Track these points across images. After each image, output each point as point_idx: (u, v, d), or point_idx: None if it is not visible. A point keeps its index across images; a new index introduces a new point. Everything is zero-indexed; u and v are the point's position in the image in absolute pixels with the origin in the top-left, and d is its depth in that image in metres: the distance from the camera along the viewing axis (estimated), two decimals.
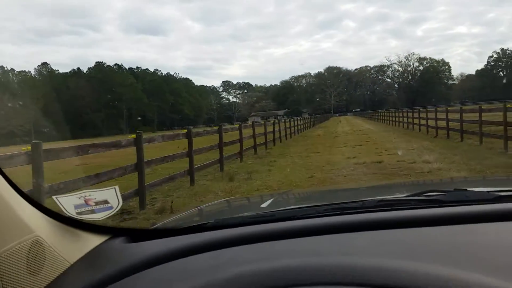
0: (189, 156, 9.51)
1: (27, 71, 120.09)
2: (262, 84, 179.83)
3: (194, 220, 1.61)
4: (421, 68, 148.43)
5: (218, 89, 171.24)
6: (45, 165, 4.96)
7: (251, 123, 17.81)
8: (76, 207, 1.10)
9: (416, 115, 26.22)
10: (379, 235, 1.00)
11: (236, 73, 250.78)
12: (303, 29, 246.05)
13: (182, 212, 1.95)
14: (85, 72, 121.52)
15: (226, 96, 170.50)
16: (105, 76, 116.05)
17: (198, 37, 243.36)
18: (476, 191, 1.29)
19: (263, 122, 21.07)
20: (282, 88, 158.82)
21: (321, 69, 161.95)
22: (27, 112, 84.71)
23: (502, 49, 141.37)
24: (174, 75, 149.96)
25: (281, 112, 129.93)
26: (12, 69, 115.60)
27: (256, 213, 1.35)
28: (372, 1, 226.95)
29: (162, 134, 8.61)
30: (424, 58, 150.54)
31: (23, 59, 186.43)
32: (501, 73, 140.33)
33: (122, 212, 6.59)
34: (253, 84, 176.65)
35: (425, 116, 23.21)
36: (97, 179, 5.69)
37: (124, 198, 6.27)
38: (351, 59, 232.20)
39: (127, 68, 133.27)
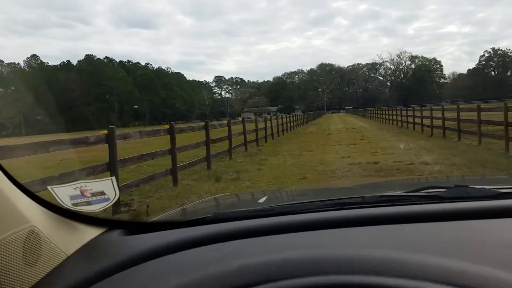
0: (171, 154, 8.79)
1: (16, 63, 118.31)
2: (255, 80, 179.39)
3: (191, 214, 1.63)
4: (413, 66, 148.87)
5: (210, 84, 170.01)
6: (30, 159, 4.36)
7: (241, 119, 17.14)
8: (72, 198, 1.08)
9: (410, 113, 25.72)
10: (380, 230, 0.99)
11: (229, 68, 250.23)
12: (295, 26, 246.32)
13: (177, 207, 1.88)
14: (75, 65, 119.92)
15: (219, 92, 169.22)
16: (95, 69, 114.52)
17: (189, 31, 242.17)
18: (477, 188, 1.27)
19: (254, 118, 20.39)
20: (275, 85, 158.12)
21: (314, 66, 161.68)
22: (17, 104, 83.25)
23: (493, 49, 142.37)
24: (166, 69, 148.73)
25: (274, 108, 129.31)
26: (1, 61, 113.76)
27: (255, 207, 1.32)
28: None
29: (139, 130, 7.81)
30: (416, 57, 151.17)
31: (13, 50, 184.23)
32: (492, 72, 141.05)
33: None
34: (246, 80, 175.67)
35: (419, 115, 22.71)
36: (59, 180, 4.95)
37: None
38: (343, 57, 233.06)
39: (117, 62, 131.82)
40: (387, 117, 37.32)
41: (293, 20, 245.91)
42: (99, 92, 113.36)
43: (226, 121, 14.37)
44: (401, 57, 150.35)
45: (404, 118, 27.83)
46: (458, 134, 15.91)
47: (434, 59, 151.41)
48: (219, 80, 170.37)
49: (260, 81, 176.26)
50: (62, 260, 0.96)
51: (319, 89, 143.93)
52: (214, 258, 0.90)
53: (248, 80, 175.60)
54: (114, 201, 1.14)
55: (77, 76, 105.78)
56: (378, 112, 46.79)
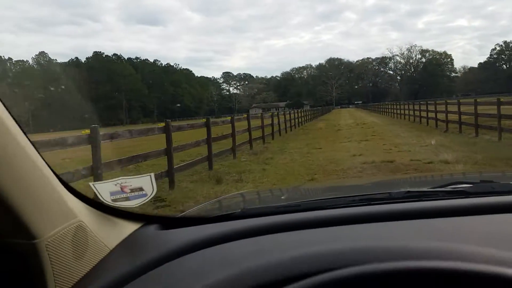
0: (167, 154, 8.05)
1: (25, 60, 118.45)
2: (263, 76, 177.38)
3: (219, 209, 1.67)
4: (423, 60, 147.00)
5: (218, 80, 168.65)
6: None
7: (245, 115, 16.36)
8: (112, 194, 1.09)
9: (423, 107, 24.77)
10: (410, 224, 1.01)
11: (237, 64, 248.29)
12: (303, 21, 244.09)
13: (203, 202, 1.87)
14: (83, 62, 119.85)
15: (227, 88, 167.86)
16: (103, 67, 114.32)
17: (198, 28, 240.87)
18: (502, 183, 1.27)
19: (260, 114, 19.58)
20: (283, 80, 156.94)
21: (323, 61, 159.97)
22: (25, 101, 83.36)
23: (505, 42, 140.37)
24: (174, 66, 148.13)
25: (282, 104, 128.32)
26: (10, 58, 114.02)
27: (282, 203, 1.32)
28: None
29: (129, 129, 6.99)
30: (427, 50, 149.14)
31: (23, 48, 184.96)
32: (504, 66, 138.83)
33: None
34: (254, 75, 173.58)
35: (433, 109, 21.78)
36: None
37: None
38: (352, 51, 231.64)
39: (126, 59, 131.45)
40: (398, 111, 36.29)
41: (301, 15, 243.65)
42: (108, 89, 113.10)
43: (230, 117, 13.59)
44: (411, 51, 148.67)
45: (416, 113, 26.85)
46: (476, 129, 15.05)
47: (445, 52, 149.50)
48: (227, 76, 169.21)
49: (269, 76, 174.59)
50: (105, 254, 0.98)
51: (328, 84, 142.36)
52: (254, 251, 0.91)
53: (256, 76, 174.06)
54: (151, 197, 1.15)
55: (85, 73, 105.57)
56: (389, 107, 45.72)
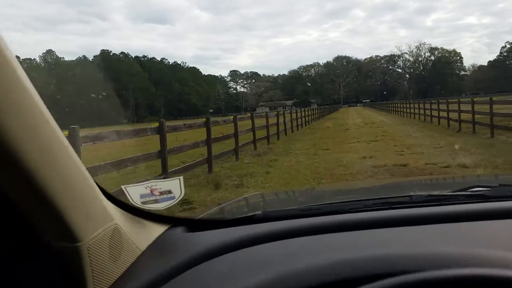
0: (161, 157, 7.42)
1: (32, 58, 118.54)
2: (270, 74, 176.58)
3: (241, 211, 1.64)
4: (432, 58, 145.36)
5: (225, 78, 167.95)
6: None
7: (249, 114, 15.70)
8: (142, 196, 1.10)
9: (434, 106, 23.96)
10: (432, 229, 1.00)
11: (244, 62, 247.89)
12: (311, 18, 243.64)
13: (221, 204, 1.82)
14: (90, 60, 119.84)
15: (234, 86, 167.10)
16: (110, 65, 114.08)
17: (206, 26, 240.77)
18: None
19: (264, 113, 18.89)
20: (290, 78, 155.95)
21: (330, 59, 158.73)
22: None
23: None
24: (181, 64, 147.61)
25: (289, 102, 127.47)
26: (17, 57, 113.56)
27: (303, 206, 1.29)
28: None
29: (117, 130, 6.30)
30: (436, 48, 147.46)
31: (30, 47, 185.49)
32: None
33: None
34: (261, 73, 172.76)
35: (445, 108, 20.97)
36: None
37: None
38: (360, 49, 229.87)
39: (133, 57, 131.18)
40: (407, 110, 35.49)
41: (309, 13, 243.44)
42: (115, 87, 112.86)
43: (232, 116, 12.94)
44: (420, 48, 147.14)
45: (427, 112, 26.03)
46: (491, 129, 14.29)
47: (454, 50, 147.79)
48: (234, 74, 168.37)
49: (276, 74, 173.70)
50: (137, 256, 0.99)
51: (336, 82, 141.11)
52: (283, 254, 0.91)
53: (263, 74, 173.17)
54: (179, 200, 1.16)
55: (92, 72, 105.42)
56: (398, 106, 44.84)
